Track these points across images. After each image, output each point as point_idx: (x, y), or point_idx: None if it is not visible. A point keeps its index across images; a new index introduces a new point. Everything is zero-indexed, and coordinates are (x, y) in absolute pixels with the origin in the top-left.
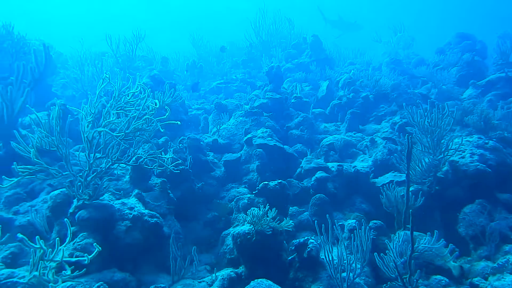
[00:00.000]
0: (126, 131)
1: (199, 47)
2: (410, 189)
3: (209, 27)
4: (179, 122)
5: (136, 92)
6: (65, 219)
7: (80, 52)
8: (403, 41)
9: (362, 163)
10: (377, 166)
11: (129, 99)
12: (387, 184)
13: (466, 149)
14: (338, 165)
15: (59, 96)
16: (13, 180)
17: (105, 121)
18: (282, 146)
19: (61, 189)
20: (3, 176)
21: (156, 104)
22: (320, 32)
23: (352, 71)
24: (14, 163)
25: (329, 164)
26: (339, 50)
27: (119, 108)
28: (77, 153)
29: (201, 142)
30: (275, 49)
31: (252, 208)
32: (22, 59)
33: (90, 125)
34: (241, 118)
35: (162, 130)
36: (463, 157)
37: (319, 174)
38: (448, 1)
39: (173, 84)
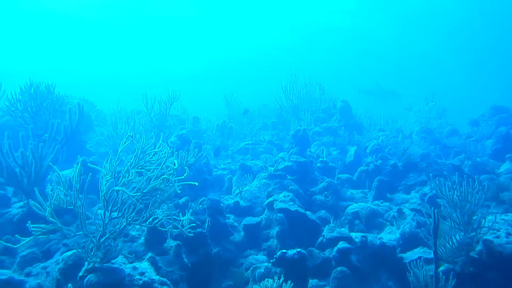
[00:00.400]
0: (144, 191)
1: (231, 107)
2: (441, 268)
3: (243, 88)
4: (196, 183)
5: (158, 150)
6: (69, 284)
7: (115, 111)
8: (435, 111)
9: (389, 235)
10: (405, 239)
11: (150, 158)
12: (415, 261)
13: (501, 228)
14: (362, 236)
15: (93, 153)
16: (25, 240)
17: (124, 180)
18: (304, 211)
19: (73, 251)
20: (22, 236)
21: (174, 164)
22: (351, 96)
23: (381, 137)
24: (29, 221)
25: (353, 235)
26: (370, 116)
27: (140, 167)
28: (100, 211)
29: (221, 204)
30: (304, 112)
31: (267, 279)
32: (58, 117)
33: (107, 184)
34: (264, 180)
35: (179, 191)
36: (497, 237)
37: (341, 245)
38: (481, 72)
39: (198, 144)
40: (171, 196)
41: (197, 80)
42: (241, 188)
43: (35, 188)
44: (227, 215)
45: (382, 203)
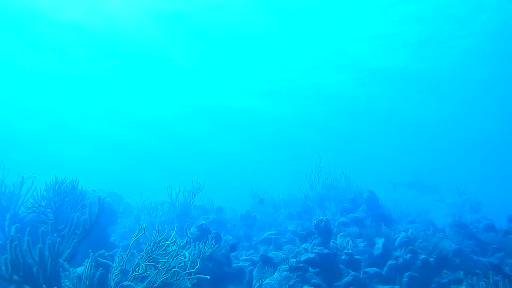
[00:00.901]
0: (154, 285)
1: (256, 196)
2: None
3: (268, 178)
4: (208, 277)
5: (171, 242)
6: None
7: (138, 203)
8: (469, 204)
9: None
10: None
11: (161, 251)
12: None
13: None
14: None
15: (116, 246)
16: None
17: (134, 273)
18: None
19: None
20: None
21: (185, 257)
22: (378, 187)
23: (410, 229)
24: None
25: None
26: (400, 207)
27: (152, 260)
28: None
29: None
30: (329, 202)
31: None
32: (79, 211)
33: (116, 279)
34: (285, 273)
35: (189, 285)
36: None
37: None
38: None
39: (217, 235)
40: None
41: (222, 166)
42: (261, 281)
43: (43, 285)
44: None
45: None
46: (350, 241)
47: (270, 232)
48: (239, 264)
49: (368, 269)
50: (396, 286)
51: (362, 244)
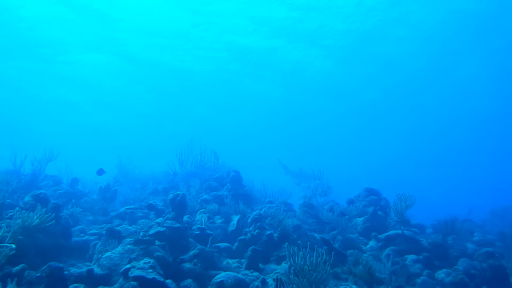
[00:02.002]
0: None
1: (125, 171)
2: None
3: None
4: (13, 245)
5: None
6: None
7: None
8: (321, 188)
9: None
10: None
11: None
12: None
13: None
14: None
15: None
16: None
17: None
18: (163, 280)
19: None
20: None
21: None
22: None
23: (264, 208)
24: None
25: None
26: (266, 188)
27: None
28: None
29: (65, 272)
30: (193, 179)
31: None
32: None
33: None
34: (129, 246)
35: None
36: None
37: None
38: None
39: (56, 205)
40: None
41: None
42: (100, 254)
43: None
44: (76, 285)
45: (252, 272)
46: (205, 216)
47: (128, 207)
48: (84, 238)
49: (220, 244)
50: (242, 260)
51: (219, 221)
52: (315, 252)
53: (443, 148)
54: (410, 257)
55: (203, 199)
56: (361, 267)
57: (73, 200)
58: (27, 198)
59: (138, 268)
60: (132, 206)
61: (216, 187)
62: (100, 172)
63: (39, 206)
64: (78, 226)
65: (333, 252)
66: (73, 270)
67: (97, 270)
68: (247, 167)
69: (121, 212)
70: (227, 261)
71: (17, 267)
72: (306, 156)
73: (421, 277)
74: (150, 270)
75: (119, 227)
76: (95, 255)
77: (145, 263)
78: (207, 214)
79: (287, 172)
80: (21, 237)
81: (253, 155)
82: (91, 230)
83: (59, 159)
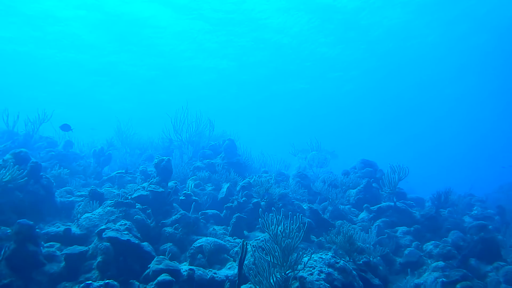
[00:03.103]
0: None
1: (124, 137)
2: None
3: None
4: None
5: None
6: None
7: None
8: (317, 159)
9: (228, 271)
10: (243, 275)
11: None
12: None
13: (317, 266)
14: (190, 269)
15: None
16: None
17: None
18: (137, 242)
19: None
20: None
21: None
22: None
23: (254, 177)
24: None
25: (183, 268)
26: (264, 158)
27: None
28: None
29: (37, 230)
30: (187, 146)
31: None
32: None
33: None
34: (109, 208)
35: None
36: (311, 274)
37: (162, 277)
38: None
39: (36, 164)
40: None
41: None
42: (79, 215)
43: None
44: (51, 243)
45: (234, 239)
46: (193, 183)
47: (119, 171)
48: (71, 199)
49: (207, 211)
50: (229, 227)
51: (209, 188)
52: (289, 220)
53: (458, 125)
54: (401, 229)
55: (196, 167)
56: (341, 236)
57: (64, 163)
58: (7, 156)
59: (113, 230)
60: (122, 171)
61: (210, 155)
62: (65, 127)
63: (11, 163)
64: (65, 188)
65: (321, 222)
66: (51, 229)
67: (75, 230)
68: (251, 139)
69: (112, 176)
70: (214, 228)
71: None
72: (315, 130)
73: (408, 248)
74: (126, 232)
75: (103, 190)
76: (76, 216)
77: (121, 224)
78: (197, 181)
79: (297, 153)
80: None
81: (259, 127)
82: (80, 192)
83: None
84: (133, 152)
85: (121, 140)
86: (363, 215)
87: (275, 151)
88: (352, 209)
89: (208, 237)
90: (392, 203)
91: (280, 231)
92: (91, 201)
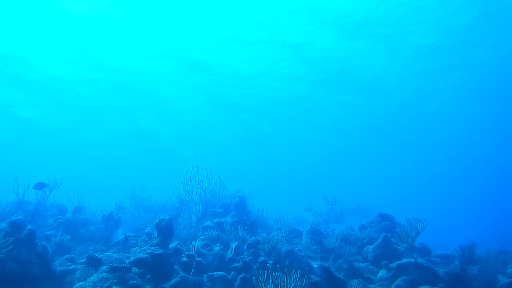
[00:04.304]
0: None
1: (138, 200)
2: None
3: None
4: None
5: None
6: None
7: None
8: (333, 214)
9: None
10: None
11: None
12: None
13: None
14: None
15: None
16: None
17: None
18: None
19: None
20: None
21: None
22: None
23: (263, 235)
24: None
25: None
26: (280, 215)
27: None
28: None
29: None
30: (196, 205)
31: None
32: None
33: None
34: (103, 274)
35: None
36: None
37: None
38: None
39: (31, 232)
40: None
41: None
42: (73, 284)
43: None
44: None
45: None
46: (199, 244)
47: (125, 235)
48: (71, 267)
49: (214, 273)
50: None
51: (217, 248)
52: (296, 280)
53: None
54: None
55: (205, 226)
56: None
57: (72, 229)
58: (2, 225)
59: None
60: (130, 234)
61: (221, 213)
62: (38, 186)
63: (4, 232)
64: (67, 255)
65: (332, 281)
66: None
67: None
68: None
69: (118, 241)
70: None
71: None
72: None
73: None
74: None
75: (101, 255)
76: (73, 285)
77: None
78: (205, 241)
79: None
80: None
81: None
82: (82, 259)
83: (71, 189)
84: (146, 215)
85: (135, 203)
86: (381, 273)
87: (293, 208)
88: (370, 266)
89: None
90: (413, 260)
91: None
92: (87, 268)
